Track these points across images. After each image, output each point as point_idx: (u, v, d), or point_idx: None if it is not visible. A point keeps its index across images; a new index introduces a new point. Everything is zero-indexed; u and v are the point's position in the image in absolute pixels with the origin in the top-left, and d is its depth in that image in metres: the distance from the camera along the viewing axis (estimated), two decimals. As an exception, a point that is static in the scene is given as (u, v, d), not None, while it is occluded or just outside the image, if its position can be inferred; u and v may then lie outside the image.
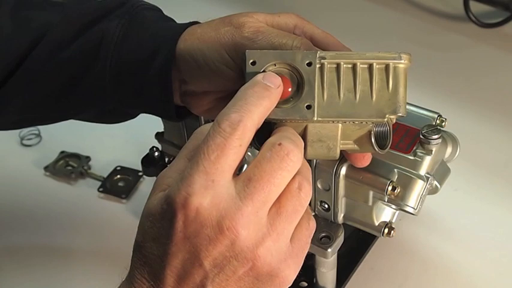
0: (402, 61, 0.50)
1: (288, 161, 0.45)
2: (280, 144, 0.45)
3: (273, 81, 0.48)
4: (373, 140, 0.52)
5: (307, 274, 0.74)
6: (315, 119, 0.50)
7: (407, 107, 0.69)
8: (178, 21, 0.65)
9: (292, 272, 0.47)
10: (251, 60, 0.51)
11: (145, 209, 0.47)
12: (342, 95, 0.50)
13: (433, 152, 0.64)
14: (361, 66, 0.50)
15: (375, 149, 0.53)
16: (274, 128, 0.50)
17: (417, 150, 0.64)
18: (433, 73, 1.06)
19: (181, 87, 0.63)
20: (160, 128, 0.79)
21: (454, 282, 0.76)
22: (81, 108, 0.68)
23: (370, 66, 0.50)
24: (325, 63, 0.50)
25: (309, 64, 0.50)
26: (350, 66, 0.50)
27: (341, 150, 0.53)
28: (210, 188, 0.44)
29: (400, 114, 0.51)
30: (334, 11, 1.18)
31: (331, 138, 0.51)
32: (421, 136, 0.64)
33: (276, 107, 0.49)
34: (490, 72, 1.06)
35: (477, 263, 0.78)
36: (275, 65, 0.50)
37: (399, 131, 0.66)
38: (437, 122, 0.68)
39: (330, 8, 1.20)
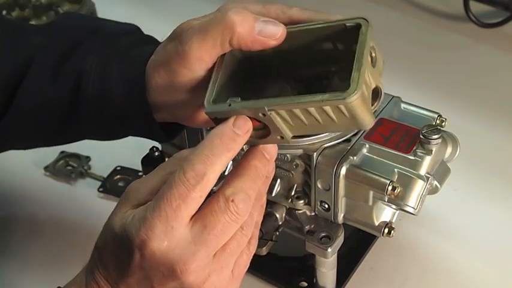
0: (352, 99, 0.48)
1: (239, 216, 0.50)
2: (233, 200, 0.49)
3: (243, 127, 0.50)
4: None
5: (307, 274, 0.74)
6: (290, 139, 0.52)
7: (408, 106, 0.70)
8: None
9: None
10: (212, 116, 0.53)
11: (110, 221, 0.51)
12: (306, 123, 0.51)
13: (433, 152, 0.64)
14: (311, 109, 0.50)
15: None
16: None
17: (417, 150, 0.64)
18: (433, 73, 1.06)
19: (167, 115, 0.63)
20: (160, 128, 0.79)
21: (454, 282, 0.76)
22: (78, 137, 0.70)
23: (322, 108, 0.49)
24: (278, 111, 0.50)
25: (264, 115, 0.51)
26: (303, 110, 0.50)
27: None
28: (169, 233, 0.48)
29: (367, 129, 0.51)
30: (334, 11, 1.18)
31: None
32: (421, 136, 0.64)
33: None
34: (490, 72, 1.06)
35: (477, 263, 0.78)
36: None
37: (399, 131, 0.66)
38: (437, 122, 0.68)
39: (329, 8, 1.19)
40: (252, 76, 0.58)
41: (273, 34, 0.53)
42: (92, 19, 0.66)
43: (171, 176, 0.49)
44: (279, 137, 0.52)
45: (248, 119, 0.51)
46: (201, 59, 0.55)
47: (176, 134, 0.66)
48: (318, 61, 0.57)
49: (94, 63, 0.62)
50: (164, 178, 0.50)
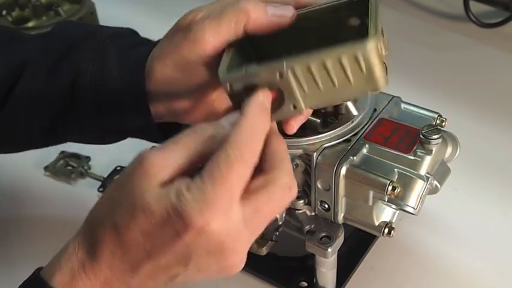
0: (368, 46, 0.49)
1: (290, 199, 0.50)
2: (290, 188, 0.49)
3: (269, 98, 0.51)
4: None
5: (307, 274, 0.74)
6: (303, 109, 0.53)
7: (408, 106, 0.70)
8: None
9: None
10: (228, 85, 0.52)
11: (142, 200, 0.47)
12: (321, 87, 0.51)
13: (433, 152, 0.64)
14: (331, 62, 0.50)
15: None
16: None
17: (417, 150, 0.64)
18: (433, 73, 1.06)
19: (164, 109, 0.63)
20: (160, 128, 0.79)
21: (454, 282, 0.76)
22: (74, 138, 0.70)
23: (340, 60, 0.50)
24: (296, 69, 0.51)
25: (281, 75, 0.51)
26: (320, 65, 0.51)
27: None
28: (228, 215, 0.46)
29: (381, 90, 0.53)
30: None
31: None
32: (421, 136, 0.64)
33: None
34: (490, 72, 1.06)
35: (477, 263, 0.78)
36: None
37: (399, 131, 0.66)
38: (437, 122, 0.68)
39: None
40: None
41: (285, 14, 0.56)
42: (88, 25, 0.66)
43: (221, 153, 0.47)
44: (292, 108, 0.52)
45: (268, 91, 0.51)
46: (213, 44, 0.55)
47: (172, 134, 0.66)
48: (329, 40, 0.57)
49: (92, 59, 0.63)
50: (191, 157, 0.48)
